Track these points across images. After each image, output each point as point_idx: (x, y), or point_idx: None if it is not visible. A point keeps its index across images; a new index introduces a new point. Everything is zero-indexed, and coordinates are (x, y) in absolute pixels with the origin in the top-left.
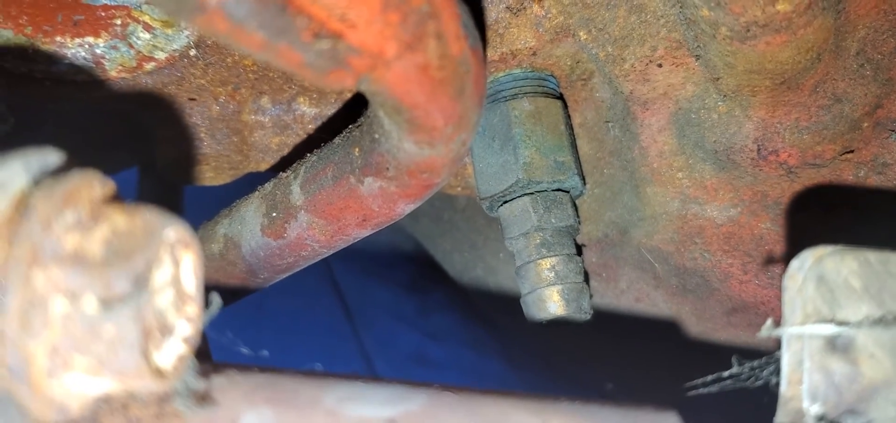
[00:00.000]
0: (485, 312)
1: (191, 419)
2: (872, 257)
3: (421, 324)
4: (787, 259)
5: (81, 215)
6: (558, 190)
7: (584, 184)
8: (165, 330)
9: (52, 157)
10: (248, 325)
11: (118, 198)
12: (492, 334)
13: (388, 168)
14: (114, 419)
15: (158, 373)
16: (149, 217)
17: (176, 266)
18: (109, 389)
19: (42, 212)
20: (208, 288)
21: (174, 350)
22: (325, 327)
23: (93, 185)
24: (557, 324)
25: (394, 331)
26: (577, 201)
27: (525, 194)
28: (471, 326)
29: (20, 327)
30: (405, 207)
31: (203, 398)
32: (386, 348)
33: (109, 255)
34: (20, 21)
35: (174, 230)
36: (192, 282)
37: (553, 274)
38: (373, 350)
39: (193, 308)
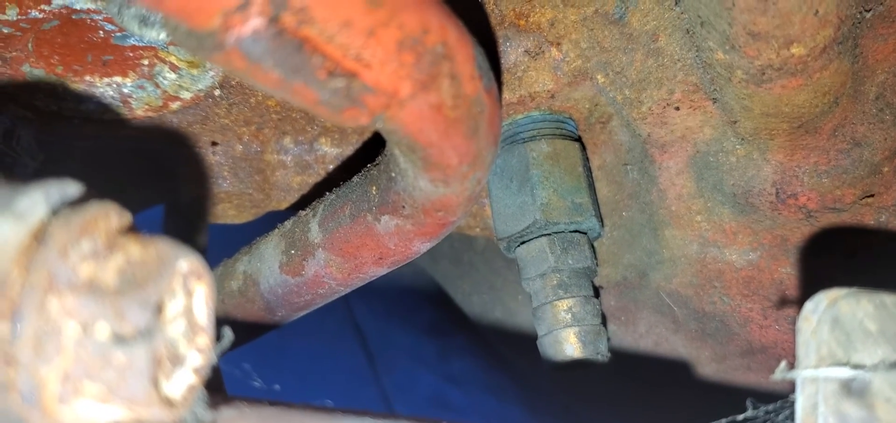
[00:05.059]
0: (505, 355)
1: None
2: (888, 299)
3: (441, 368)
4: (803, 302)
5: (97, 244)
6: (576, 231)
7: (603, 226)
8: (176, 360)
9: (71, 188)
10: (270, 365)
11: (134, 229)
12: (512, 380)
13: (404, 206)
14: None
15: (168, 402)
16: (163, 248)
17: (188, 297)
18: (119, 416)
19: (59, 240)
20: (225, 323)
21: (184, 380)
22: (346, 370)
23: (109, 215)
24: (574, 366)
25: (414, 374)
26: (595, 244)
27: (542, 235)
28: (491, 371)
29: (33, 352)
30: (421, 246)
31: None
32: (406, 391)
33: (123, 284)
34: (51, 61)
35: (187, 261)
36: (204, 313)
37: (570, 316)
38: (393, 394)
39: (204, 339)
